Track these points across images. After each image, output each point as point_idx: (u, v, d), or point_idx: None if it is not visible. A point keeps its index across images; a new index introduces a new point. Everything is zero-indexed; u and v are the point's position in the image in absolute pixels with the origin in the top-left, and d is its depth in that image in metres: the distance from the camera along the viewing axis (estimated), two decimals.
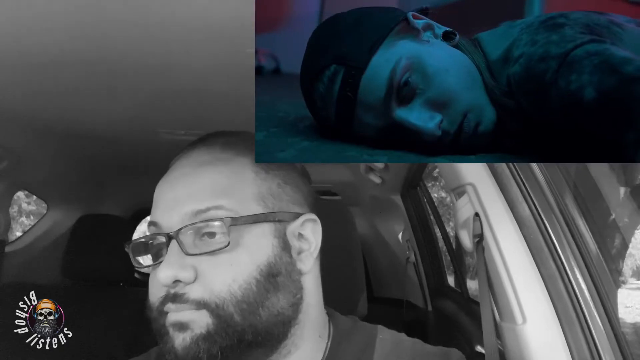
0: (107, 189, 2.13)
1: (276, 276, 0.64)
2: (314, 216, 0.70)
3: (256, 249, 0.64)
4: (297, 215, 0.69)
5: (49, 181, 1.83)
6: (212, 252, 0.62)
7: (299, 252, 0.68)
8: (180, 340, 0.62)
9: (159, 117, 1.30)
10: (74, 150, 1.65)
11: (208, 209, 0.64)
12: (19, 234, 2.57)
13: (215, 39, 0.80)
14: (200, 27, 0.77)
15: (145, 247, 0.68)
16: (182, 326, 0.62)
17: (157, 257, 0.66)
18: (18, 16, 0.74)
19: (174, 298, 0.62)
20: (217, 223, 0.63)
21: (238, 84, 0.96)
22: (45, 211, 2.03)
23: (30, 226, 2.09)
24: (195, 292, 0.62)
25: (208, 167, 0.67)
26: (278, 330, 0.65)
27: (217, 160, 0.68)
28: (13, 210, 1.95)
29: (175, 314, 0.62)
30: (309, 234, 0.69)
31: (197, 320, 0.62)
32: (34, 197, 3.16)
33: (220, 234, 0.63)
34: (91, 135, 1.49)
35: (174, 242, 0.63)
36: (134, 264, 0.68)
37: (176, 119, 1.31)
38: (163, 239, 0.64)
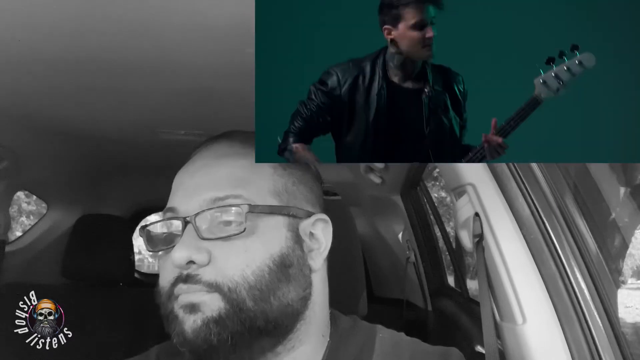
0: (107, 189, 2.13)
1: (288, 267, 0.66)
2: (325, 216, 0.72)
3: (270, 238, 0.66)
4: (310, 214, 0.70)
5: (49, 181, 1.83)
6: (227, 238, 0.64)
7: (310, 251, 0.69)
8: (190, 322, 0.62)
9: (159, 117, 1.30)
10: (74, 150, 1.65)
11: (227, 197, 0.65)
12: (19, 234, 2.57)
13: (215, 39, 0.80)
14: (201, 27, 0.77)
15: (159, 230, 0.69)
16: (193, 308, 0.63)
17: (170, 242, 0.66)
18: (17, 16, 0.74)
19: (186, 279, 0.63)
20: (235, 209, 0.64)
21: (238, 84, 0.96)
22: (45, 211, 2.03)
23: (30, 226, 2.09)
24: (208, 274, 0.63)
25: (229, 159, 0.69)
26: (287, 322, 0.66)
27: (238, 154, 0.70)
28: (13, 210, 1.95)
29: (186, 295, 0.63)
30: (319, 233, 0.71)
31: (209, 302, 0.62)
32: (34, 197, 3.16)
33: (236, 222, 0.64)
34: (91, 135, 1.48)
35: (189, 226, 0.64)
36: (147, 247, 0.69)
37: (176, 118, 1.30)
38: (179, 223, 0.65)
